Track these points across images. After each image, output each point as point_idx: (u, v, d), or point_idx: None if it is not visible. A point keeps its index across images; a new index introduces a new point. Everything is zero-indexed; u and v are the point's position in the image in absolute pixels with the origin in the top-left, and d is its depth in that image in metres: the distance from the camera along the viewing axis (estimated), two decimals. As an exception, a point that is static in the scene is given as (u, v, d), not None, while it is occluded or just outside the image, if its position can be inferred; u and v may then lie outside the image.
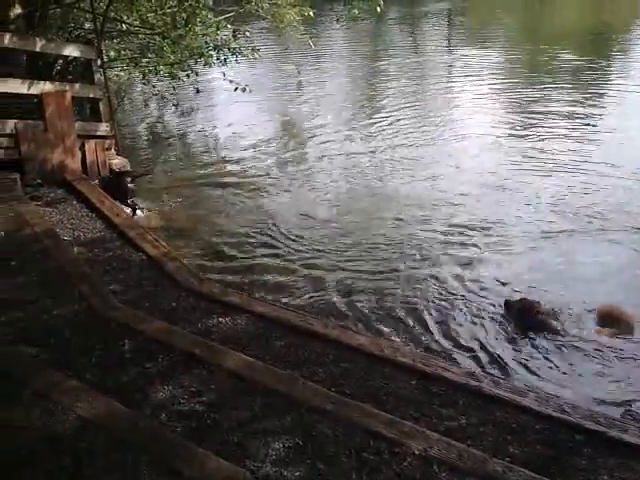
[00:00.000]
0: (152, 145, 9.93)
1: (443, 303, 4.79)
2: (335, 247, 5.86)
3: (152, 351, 3.33)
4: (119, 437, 2.66)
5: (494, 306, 4.69)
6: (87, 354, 3.34)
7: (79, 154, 6.31)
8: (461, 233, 6.02)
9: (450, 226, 6.18)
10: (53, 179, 6.09)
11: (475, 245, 5.76)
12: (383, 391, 3.03)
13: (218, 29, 8.99)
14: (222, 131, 10.24)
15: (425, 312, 4.68)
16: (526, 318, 4.40)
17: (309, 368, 3.22)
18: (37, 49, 6.52)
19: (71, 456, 2.56)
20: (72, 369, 3.18)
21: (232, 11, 9.94)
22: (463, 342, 4.28)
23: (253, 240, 6.11)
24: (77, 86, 6.73)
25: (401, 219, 6.40)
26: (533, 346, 4.21)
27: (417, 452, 2.55)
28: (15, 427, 2.74)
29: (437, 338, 4.33)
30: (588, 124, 9.41)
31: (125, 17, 8.88)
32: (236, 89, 9.16)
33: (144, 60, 9.15)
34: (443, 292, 4.95)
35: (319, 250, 5.81)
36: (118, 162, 6.61)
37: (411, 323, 4.53)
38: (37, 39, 6.54)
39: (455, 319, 4.57)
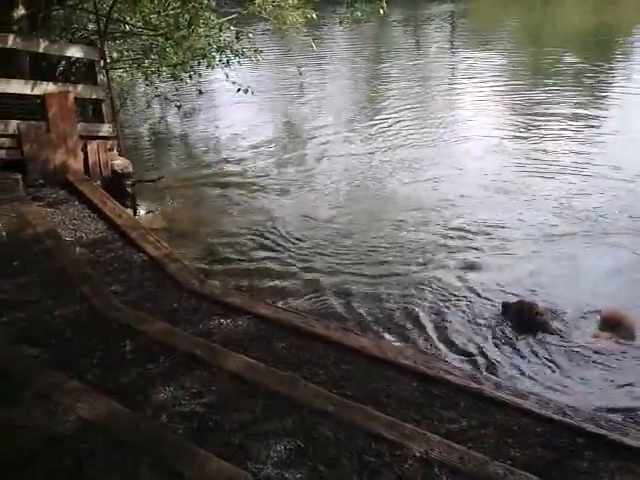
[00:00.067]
0: (154, 146, 9.95)
1: (444, 307, 4.79)
2: (336, 249, 5.86)
3: (153, 352, 3.33)
4: (120, 438, 2.66)
5: (495, 309, 4.69)
6: (88, 355, 3.34)
7: (81, 155, 6.31)
8: (463, 235, 6.01)
9: (452, 228, 6.17)
10: (55, 180, 6.10)
11: (476, 248, 5.76)
12: (384, 393, 3.03)
13: (221, 31, 9.00)
14: (224, 132, 10.26)
15: (425, 315, 4.68)
16: (524, 320, 4.40)
17: (310, 370, 3.21)
18: (40, 50, 6.53)
19: (72, 457, 2.56)
20: (73, 370, 3.18)
21: (235, 13, 9.95)
22: (463, 344, 4.29)
23: (254, 242, 6.12)
24: (80, 87, 6.74)
25: (403, 221, 6.40)
26: (532, 348, 4.21)
27: (418, 454, 2.55)
28: (16, 427, 2.74)
29: (437, 342, 4.33)
30: (591, 126, 9.41)
31: (128, 18, 8.90)
32: (238, 90, 9.17)
33: (147, 61, 9.16)
34: (444, 295, 4.94)
35: (320, 253, 5.81)
36: (120, 163, 6.62)
37: (410, 326, 4.54)
38: (40, 40, 6.54)
39: (456, 322, 4.57)
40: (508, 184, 7.27)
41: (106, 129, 6.77)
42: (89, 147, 6.38)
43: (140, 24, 9.03)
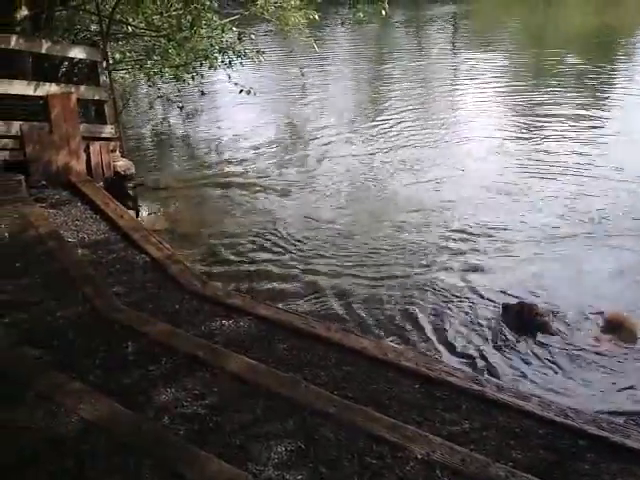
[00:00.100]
0: (157, 147, 9.96)
1: (445, 308, 4.79)
2: (337, 251, 5.87)
3: (155, 353, 3.33)
4: (122, 440, 2.66)
5: (497, 311, 4.68)
6: (90, 356, 3.34)
7: (84, 156, 6.32)
8: (465, 237, 6.01)
9: (453, 230, 6.17)
10: (58, 181, 6.10)
11: (478, 250, 5.76)
12: (386, 395, 3.03)
13: (223, 32, 9.01)
14: (226, 133, 10.27)
15: (426, 317, 4.68)
16: (525, 321, 4.40)
17: (312, 371, 3.21)
18: (43, 51, 6.54)
19: (74, 458, 2.57)
20: (75, 371, 3.18)
21: (237, 14, 9.96)
22: (464, 346, 4.29)
23: (256, 243, 6.13)
24: (82, 88, 6.74)
25: (404, 222, 6.40)
26: (534, 350, 4.21)
27: (420, 456, 2.55)
28: (18, 428, 2.75)
29: (438, 344, 4.34)
30: (593, 128, 9.40)
31: (131, 19, 8.91)
32: (241, 91, 9.19)
33: (149, 62, 9.18)
34: (445, 297, 4.95)
35: (321, 254, 5.81)
36: (123, 164, 6.62)
37: (411, 328, 4.54)
38: (43, 41, 6.55)
39: (457, 324, 4.57)
40: (510, 185, 7.26)
41: (108, 130, 6.78)
42: (92, 148, 6.38)
43: (142, 25, 9.04)
